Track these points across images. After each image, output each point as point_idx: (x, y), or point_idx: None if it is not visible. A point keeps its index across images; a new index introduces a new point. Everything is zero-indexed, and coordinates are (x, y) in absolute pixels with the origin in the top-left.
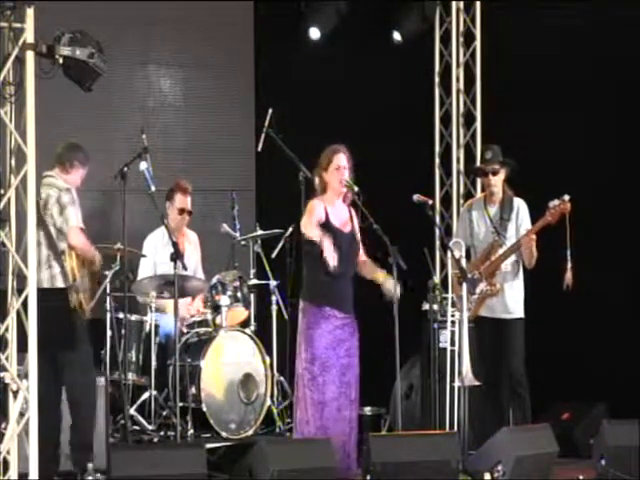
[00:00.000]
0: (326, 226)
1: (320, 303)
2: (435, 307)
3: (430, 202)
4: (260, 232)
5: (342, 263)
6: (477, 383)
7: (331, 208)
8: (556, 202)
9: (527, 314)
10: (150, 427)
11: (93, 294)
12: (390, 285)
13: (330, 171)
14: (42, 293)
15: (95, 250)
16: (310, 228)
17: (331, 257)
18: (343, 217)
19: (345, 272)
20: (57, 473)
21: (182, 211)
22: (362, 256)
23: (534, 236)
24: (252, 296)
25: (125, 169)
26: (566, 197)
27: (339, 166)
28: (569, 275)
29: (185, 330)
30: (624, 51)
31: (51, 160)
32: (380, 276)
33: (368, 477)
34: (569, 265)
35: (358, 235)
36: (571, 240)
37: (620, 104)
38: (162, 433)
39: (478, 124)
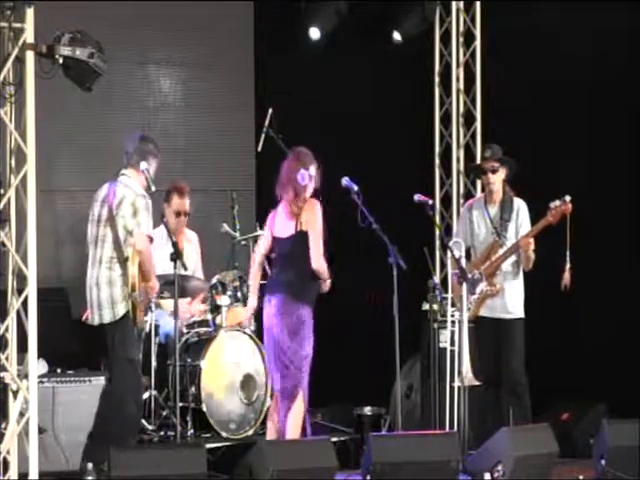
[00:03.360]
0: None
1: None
2: (435, 307)
3: (430, 202)
4: (260, 232)
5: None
6: (477, 383)
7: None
8: (557, 203)
9: (527, 314)
10: (150, 427)
11: (145, 307)
12: None
13: None
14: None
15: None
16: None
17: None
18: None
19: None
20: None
21: (179, 214)
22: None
23: (532, 239)
24: None
25: None
26: (567, 198)
27: None
28: (567, 276)
29: (185, 330)
30: (624, 51)
31: (122, 157)
32: None
33: (368, 477)
34: (567, 266)
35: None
36: (571, 240)
37: (620, 104)
38: (162, 433)
39: (478, 124)
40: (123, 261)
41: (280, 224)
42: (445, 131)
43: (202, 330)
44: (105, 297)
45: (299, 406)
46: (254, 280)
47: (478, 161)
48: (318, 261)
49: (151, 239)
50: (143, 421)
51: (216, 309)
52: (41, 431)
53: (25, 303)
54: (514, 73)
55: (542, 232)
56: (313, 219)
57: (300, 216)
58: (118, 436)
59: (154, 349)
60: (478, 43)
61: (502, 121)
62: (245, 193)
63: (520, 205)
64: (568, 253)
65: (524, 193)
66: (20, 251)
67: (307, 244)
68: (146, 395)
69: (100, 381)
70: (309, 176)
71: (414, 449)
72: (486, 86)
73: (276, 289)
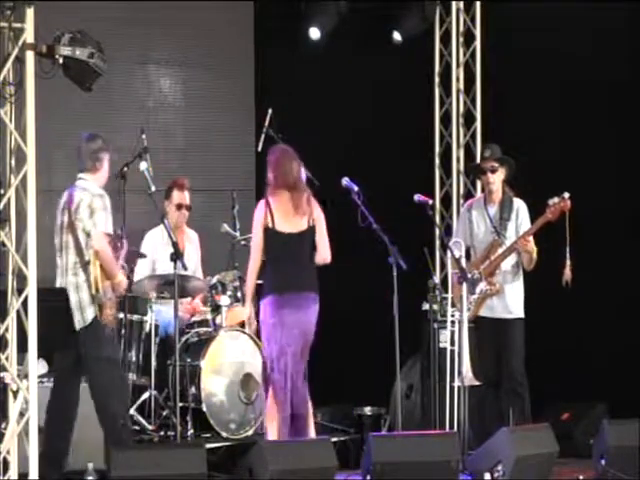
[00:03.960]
0: None
1: None
2: (435, 307)
3: (430, 202)
4: None
5: None
6: (477, 383)
7: None
8: (556, 200)
9: (527, 314)
10: (150, 427)
11: (115, 305)
12: None
13: None
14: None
15: (120, 271)
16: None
17: None
18: None
19: None
20: (61, 472)
21: (180, 206)
22: None
23: (530, 238)
24: None
25: (125, 169)
26: (566, 194)
27: None
28: (568, 272)
29: (185, 330)
30: (624, 51)
31: (76, 163)
32: None
33: (368, 477)
34: (568, 262)
35: None
36: (571, 238)
37: (620, 103)
38: (162, 433)
39: (478, 124)
40: (85, 265)
41: (285, 219)
42: (445, 131)
43: (202, 330)
44: (74, 303)
45: None
46: (253, 286)
47: (478, 161)
48: (329, 254)
49: (110, 237)
50: (143, 421)
51: (216, 309)
52: (41, 431)
53: (25, 303)
54: (514, 73)
55: (541, 230)
56: (321, 215)
57: (312, 212)
58: (110, 436)
59: (154, 349)
60: (478, 43)
61: (502, 121)
62: (245, 193)
63: (520, 205)
64: (568, 250)
65: (524, 193)
66: (20, 251)
67: (314, 239)
68: (146, 395)
69: None
70: None
71: (414, 449)
72: (486, 86)
73: (300, 286)
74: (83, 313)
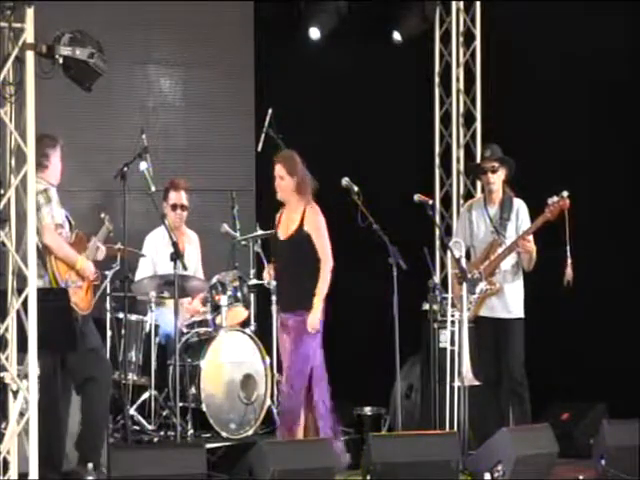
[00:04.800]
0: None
1: None
2: (435, 307)
3: (430, 202)
4: (260, 232)
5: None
6: (477, 383)
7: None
8: (555, 199)
9: (527, 314)
10: (150, 427)
11: (89, 289)
12: None
13: None
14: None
15: (80, 256)
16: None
17: None
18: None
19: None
20: (60, 473)
21: (175, 207)
22: None
23: (530, 237)
24: (252, 296)
25: (125, 169)
26: (565, 193)
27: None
28: (569, 271)
29: (185, 330)
30: (624, 51)
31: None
32: None
33: (368, 477)
34: (569, 261)
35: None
36: (570, 237)
37: (620, 103)
38: (162, 433)
39: (478, 124)
40: (45, 265)
41: None
42: (445, 131)
43: (202, 330)
44: None
45: None
46: None
47: (478, 161)
48: None
49: (59, 227)
50: (143, 421)
51: (216, 309)
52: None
53: (25, 303)
54: (514, 73)
55: (541, 229)
56: None
57: None
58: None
59: (154, 349)
60: (478, 43)
61: (502, 121)
62: (245, 193)
63: (520, 205)
64: (568, 248)
65: (524, 193)
66: (20, 251)
67: None
68: (146, 395)
69: None
70: None
71: (414, 449)
72: (486, 86)
73: None
74: None
